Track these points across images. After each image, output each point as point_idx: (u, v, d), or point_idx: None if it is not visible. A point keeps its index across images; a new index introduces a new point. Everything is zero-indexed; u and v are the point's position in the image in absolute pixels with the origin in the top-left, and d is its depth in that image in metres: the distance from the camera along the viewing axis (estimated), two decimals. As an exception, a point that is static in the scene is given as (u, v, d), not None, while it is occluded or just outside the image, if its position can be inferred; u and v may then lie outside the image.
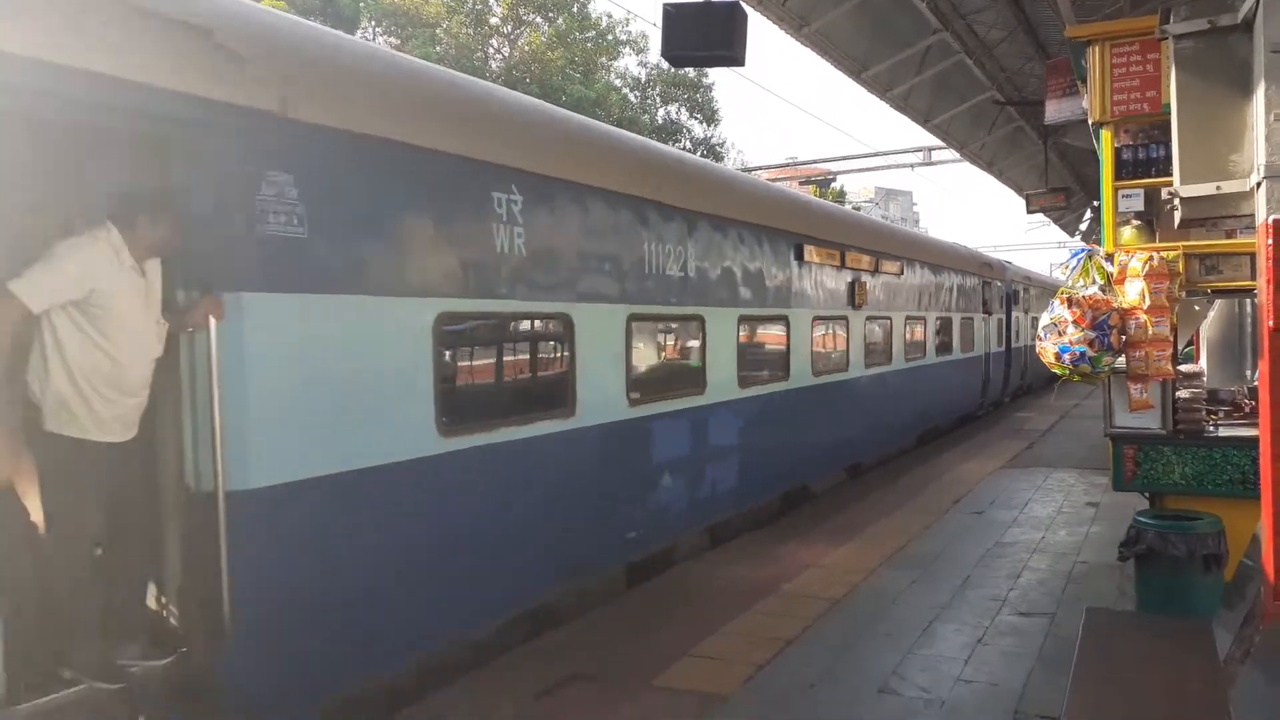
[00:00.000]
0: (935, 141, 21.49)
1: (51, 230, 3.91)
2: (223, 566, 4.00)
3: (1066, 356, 6.15)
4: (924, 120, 15.93)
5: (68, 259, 3.80)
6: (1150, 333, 6.01)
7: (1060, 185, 18.28)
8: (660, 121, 35.71)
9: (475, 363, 6.07)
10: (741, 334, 9.15)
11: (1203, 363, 9.79)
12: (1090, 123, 6.32)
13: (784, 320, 10.11)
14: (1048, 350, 6.27)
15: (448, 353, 5.46)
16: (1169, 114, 4.84)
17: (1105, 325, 6.07)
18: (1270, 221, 3.42)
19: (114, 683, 3.85)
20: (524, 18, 33.45)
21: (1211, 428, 6.52)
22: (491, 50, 33.65)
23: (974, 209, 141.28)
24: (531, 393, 6.50)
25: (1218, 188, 3.75)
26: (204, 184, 4.03)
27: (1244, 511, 5.93)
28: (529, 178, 5.99)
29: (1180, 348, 7.21)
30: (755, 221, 9.40)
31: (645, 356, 7.79)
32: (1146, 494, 6.82)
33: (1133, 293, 6.04)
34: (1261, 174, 3.49)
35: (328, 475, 4.56)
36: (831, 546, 9.19)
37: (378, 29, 33.55)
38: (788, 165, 41.50)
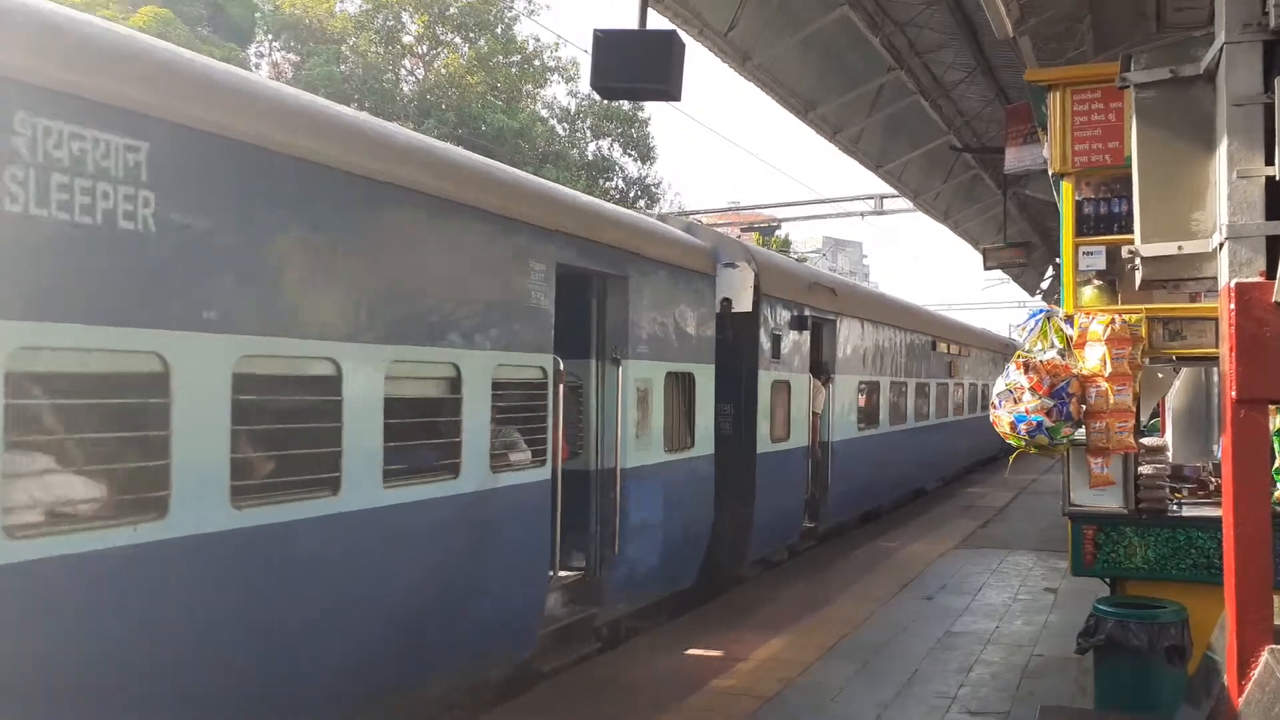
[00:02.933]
0: (887, 189, 22.10)
1: None
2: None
3: (1023, 426, 6.25)
4: (875, 165, 16.36)
5: None
6: (1112, 402, 6.15)
7: (1020, 240, 18.87)
8: (590, 157, 36.03)
9: None
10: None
11: (1167, 436, 10.10)
12: (1050, 174, 6.54)
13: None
14: (1002, 419, 6.37)
15: None
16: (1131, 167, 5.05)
17: (1064, 393, 6.19)
18: (1233, 286, 3.53)
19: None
20: (441, 37, 33.64)
21: (1175, 507, 6.68)
22: (404, 72, 33.72)
23: (928, 263, 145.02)
24: None
25: (1179, 248, 3.88)
26: None
27: (1209, 599, 6.04)
28: None
29: (1144, 419, 7.40)
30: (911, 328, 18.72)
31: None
32: (1107, 579, 6.93)
33: (1093, 358, 6.19)
34: (1224, 234, 3.61)
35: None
36: (766, 636, 9.16)
37: (274, 43, 33.44)
38: (730, 210, 42.20)
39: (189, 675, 4.76)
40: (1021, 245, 18.28)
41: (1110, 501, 6.54)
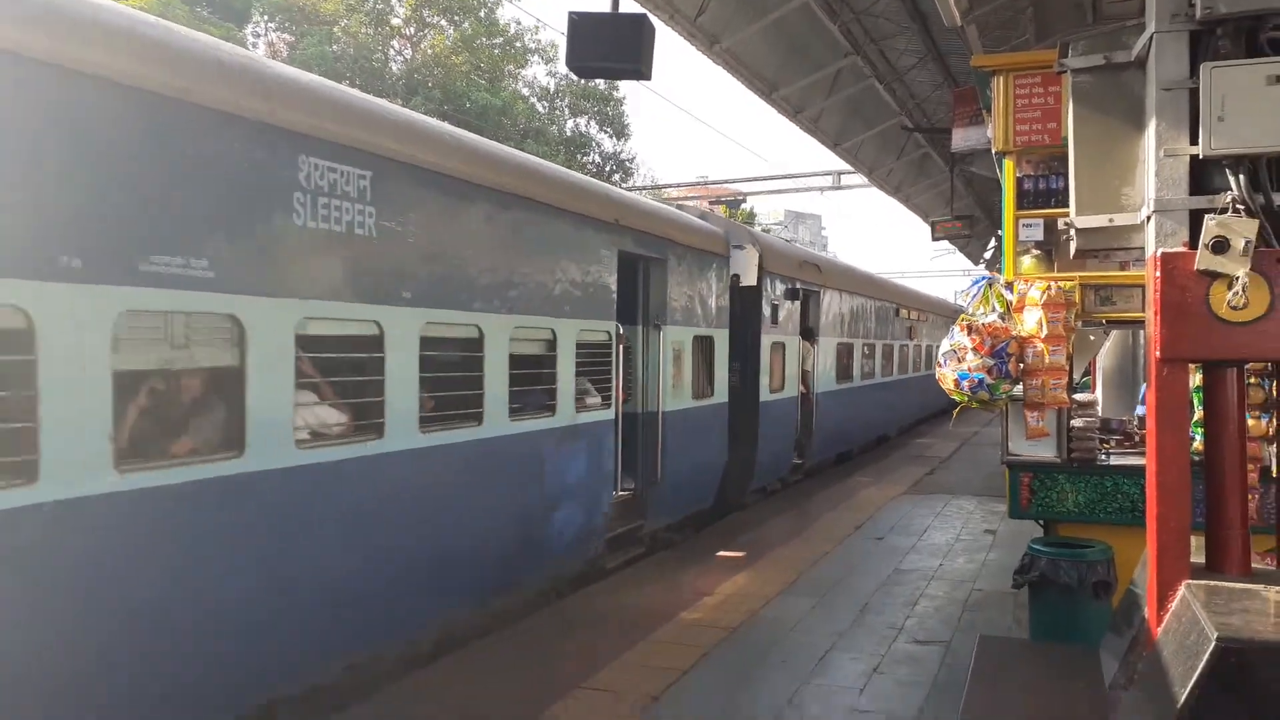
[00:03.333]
0: (845, 166, 22.09)
1: None
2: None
3: (966, 383, 6.33)
4: (833, 144, 16.36)
5: None
6: (1047, 361, 6.24)
7: (965, 213, 18.97)
8: (569, 133, 35.73)
9: None
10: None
11: (1098, 392, 10.27)
12: (994, 152, 6.58)
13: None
14: (948, 376, 6.45)
15: None
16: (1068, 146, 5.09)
17: (1003, 353, 6.28)
18: (1158, 255, 3.59)
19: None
20: (428, 20, 33.12)
21: (1104, 456, 6.81)
22: (392, 52, 33.20)
23: (882, 235, 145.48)
24: None
25: (1110, 220, 3.92)
26: None
27: (1133, 539, 6.17)
28: None
29: (1077, 377, 7.51)
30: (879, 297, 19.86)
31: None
32: (1041, 521, 7.07)
33: (1030, 321, 6.27)
34: (1151, 208, 3.66)
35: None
36: (731, 573, 9.27)
37: (270, 24, 32.81)
38: (698, 184, 42.06)
39: (409, 554, 6.34)
40: (967, 218, 18.37)
41: (1045, 451, 6.66)
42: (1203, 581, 3.69)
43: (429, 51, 32.62)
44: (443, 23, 33.42)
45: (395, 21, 33.04)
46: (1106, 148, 3.93)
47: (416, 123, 6.90)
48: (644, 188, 35.47)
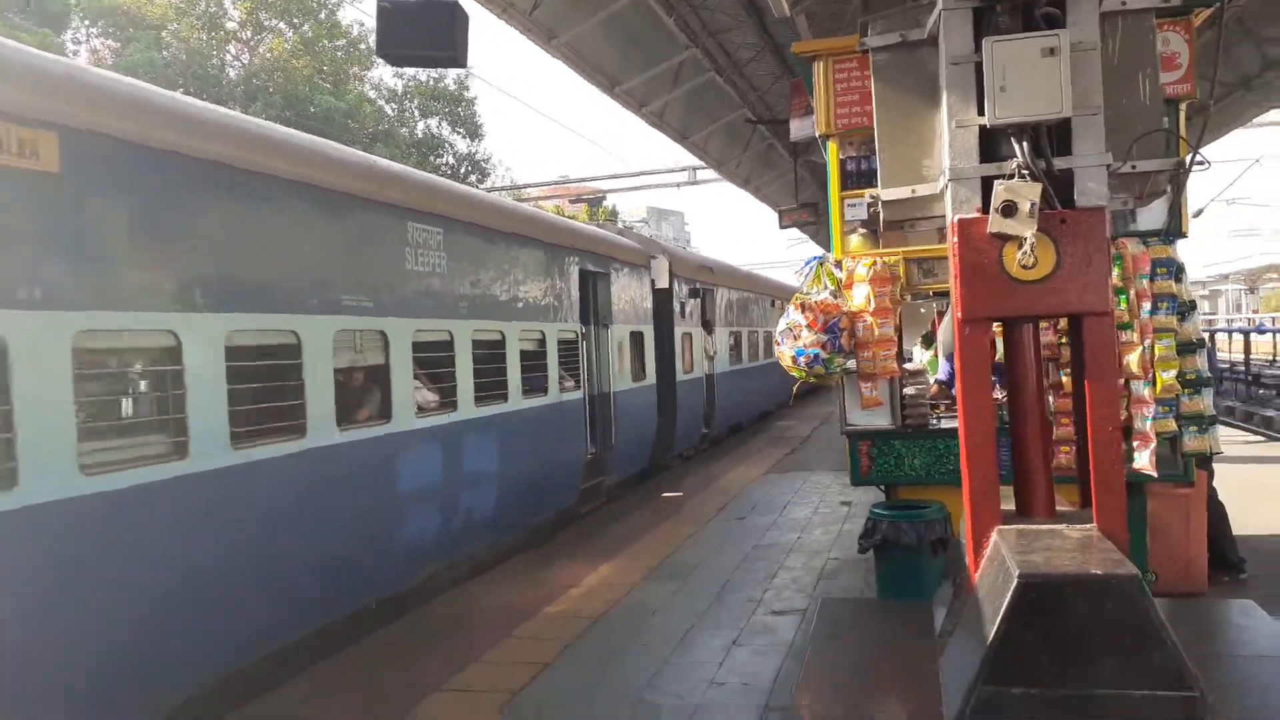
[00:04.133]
0: (699, 162, 22.44)
1: None
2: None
3: (802, 359, 6.54)
4: (681, 138, 16.57)
5: None
6: (876, 334, 6.50)
7: (810, 200, 19.53)
8: (420, 135, 35.08)
9: None
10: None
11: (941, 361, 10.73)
12: (818, 135, 6.79)
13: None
14: (785, 354, 6.65)
15: None
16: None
17: (836, 328, 6.51)
18: (955, 221, 3.77)
19: None
20: (265, 23, 31.94)
21: (935, 421, 7.13)
22: (229, 57, 31.89)
23: (739, 227, 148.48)
24: None
25: (913, 190, 4.11)
26: None
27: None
28: None
29: (908, 347, 7.84)
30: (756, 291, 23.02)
31: None
32: (882, 487, 7.35)
33: (859, 297, 6.52)
34: (947, 177, 3.85)
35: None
36: (595, 564, 9.30)
37: (92, 29, 31.02)
38: (558, 184, 41.92)
39: (440, 513, 8.58)
40: (810, 206, 18.91)
41: (880, 420, 6.93)
42: (1013, 526, 3.91)
43: (268, 56, 31.46)
44: (281, 25, 32.31)
45: (230, 25, 31.76)
46: (907, 122, 4.12)
47: (475, 197, 10.73)
48: (503, 188, 35.13)
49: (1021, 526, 3.91)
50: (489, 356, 9.39)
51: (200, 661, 5.72)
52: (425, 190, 8.71)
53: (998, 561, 3.62)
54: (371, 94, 33.99)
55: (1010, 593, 3.23)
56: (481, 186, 34.03)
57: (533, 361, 10.33)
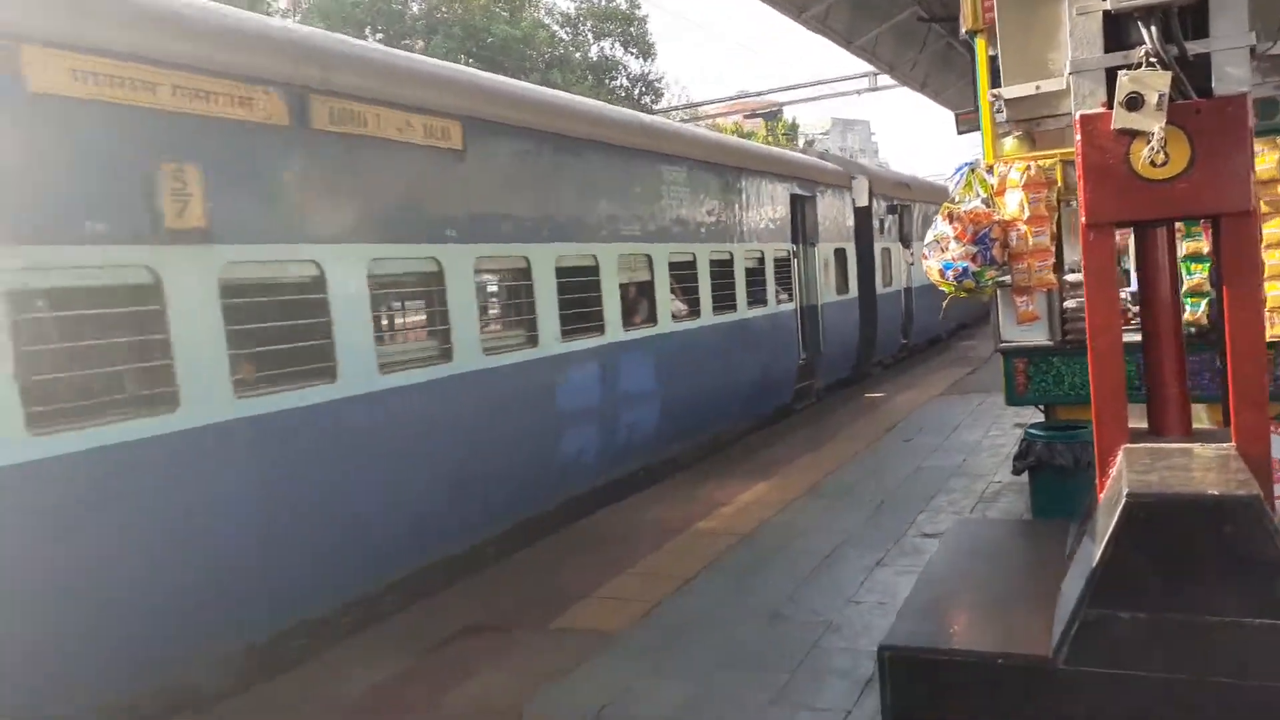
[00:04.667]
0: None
1: None
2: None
3: (950, 273, 6.27)
4: (846, 43, 15.87)
5: None
6: (1031, 244, 6.13)
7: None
8: (594, 58, 35.25)
9: None
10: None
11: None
12: (964, 31, 6.40)
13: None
14: (933, 267, 6.39)
15: None
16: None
17: (986, 239, 6.19)
18: (1078, 118, 3.54)
19: None
20: (444, -45, 32.69)
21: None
22: (411, -9, 32.91)
23: (927, 134, 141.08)
24: None
25: (1037, 87, 3.85)
26: None
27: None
28: None
29: (1070, 257, 7.38)
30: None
31: None
32: (1040, 407, 7.04)
33: (1012, 204, 6.16)
34: (1069, 69, 3.60)
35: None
36: (749, 484, 9.42)
37: (286, -27, 32.66)
38: (735, 99, 41.24)
39: (713, 387, 11.06)
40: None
41: (1037, 335, 6.61)
42: (1141, 445, 3.70)
43: (447, -13, 32.26)
44: (459, -44, 32.98)
45: (411, -40, 32.69)
46: (1029, 11, 3.85)
47: (707, 139, 12.55)
48: (677, 108, 34.91)
49: (1153, 445, 3.70)
50: (721, 273, 11.30)
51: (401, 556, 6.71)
52: (672, 138, 10.94)
53: (1117, 480, 3.45)
54: (546, 20, 34.34)
55: (1118, 513, 3.09)
56: (656, 107, 33.95)
57: (754, 277, 12.23)
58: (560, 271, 8.21)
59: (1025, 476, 6.96)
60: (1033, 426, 6.70)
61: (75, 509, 4.37)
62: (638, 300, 9.78)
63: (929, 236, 6.46)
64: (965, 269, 6.25)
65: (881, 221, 17.30)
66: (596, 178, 9.06)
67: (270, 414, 5.37)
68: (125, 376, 4.85)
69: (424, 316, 7.22)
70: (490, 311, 7.97)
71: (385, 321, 7.04)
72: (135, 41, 4.80)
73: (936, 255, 6.38)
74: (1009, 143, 6.52)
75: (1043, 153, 6.24)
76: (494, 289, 8.11)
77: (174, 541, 4.84)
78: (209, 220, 5.10)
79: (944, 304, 7.21)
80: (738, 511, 8.44)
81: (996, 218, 6.23)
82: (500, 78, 8.84)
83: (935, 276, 6.44)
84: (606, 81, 34.22)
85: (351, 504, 5.98)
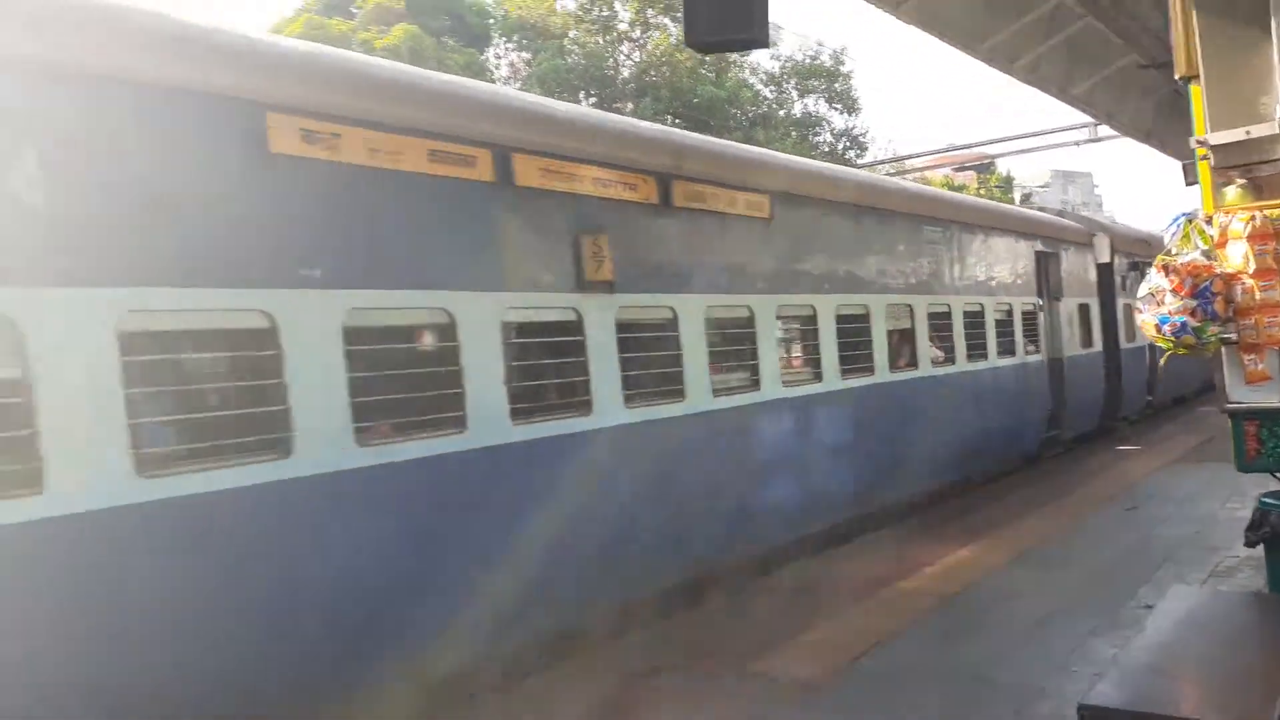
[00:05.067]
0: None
1: None
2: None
3: (1167, 327, 6.04)
4: (1060, 92, 15.33)
5: None
6: (1258, 298, 5.83)
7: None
8: (798, 115, 35.64)
9: None
10: None
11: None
12: (1177, 77, 6.16)
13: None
14: (1148, 322, 6.18)
15: None
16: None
17: (1207, 293, 5.93)
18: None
19: None
20: (651, 20, 34.15)
21: (1344, 398, 6.24)
22: (621, 57, 34.51)
23: (1156, 186, 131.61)
24: None
25: (1247, 132, 3.76)
26: None
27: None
28: None
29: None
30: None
31: None
32: (1278, 474, 6.58)
33: (1236, 256, 5.89)
34: (1281, 115, 3.52)
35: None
36: (956, 546, 9.22)
37: (509, 44, 35.05)
38: (943, 152, 40.50)
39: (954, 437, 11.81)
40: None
41: (1270, 396, 6.21)
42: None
43: (655, 52, 33.64)
44: (665, 20, 34.35)
45: (621, 26, 34.36)
46: (1236, 54, 3.79)
47: (963, 202, 14.81)
48: (884, 161, 34.67)
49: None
50: (973, 324, 12.38)
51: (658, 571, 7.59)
52: (931, 202, 12.58)
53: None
54: (749, 79, 35.09)
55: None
56: (860, 161, 33.85)
57: (1003, 329, 13.19)
58: (839, 318, 9.67)
59: (1255, 546, 6.50)
60: (1268, 495, 6.27)
61: None
62: (900, 345, 10.93)
63: (1143, 289, 6.26)
64: (1184, 324, 6.01)
65: (1123, 278, 17.76)
66: (868, 238, 10.57)
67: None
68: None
69: (740, 348, 8.71)
70: (782, 351, 9.34)
71: (717, 353, 8.44)
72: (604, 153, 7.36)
73: (1152, 309, 6.17)
74: (1231, 192, 6.22)
75: (1270, 202, 5.93)
76: (783, 333, 9.44)
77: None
78: (614, 275, 7.11)
79: (1161, 360, 6.92)
80: (941, 572, 8.30)
81: (1219, 271, 5.98)
82: (799, 159, 11.04)
83: (1151, 331, 6.23)
84: (810, 137, 34.47)
85: None
